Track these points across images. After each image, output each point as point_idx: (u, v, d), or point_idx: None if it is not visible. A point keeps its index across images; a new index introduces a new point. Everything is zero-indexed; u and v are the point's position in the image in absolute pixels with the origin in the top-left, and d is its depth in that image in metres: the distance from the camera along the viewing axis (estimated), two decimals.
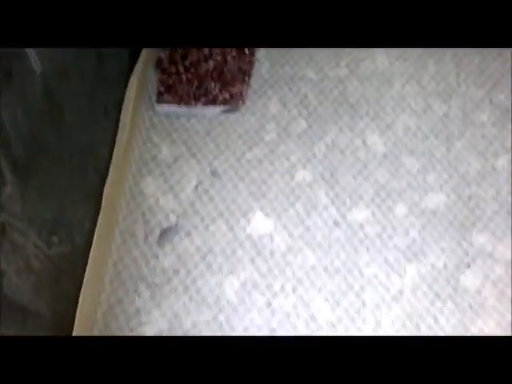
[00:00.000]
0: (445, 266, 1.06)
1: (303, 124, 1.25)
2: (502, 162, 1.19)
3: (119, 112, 1.19)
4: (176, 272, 1.06)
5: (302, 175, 1.18)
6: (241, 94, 1.27)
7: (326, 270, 1.06)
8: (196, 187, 1.16)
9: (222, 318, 1.01)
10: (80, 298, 0.96)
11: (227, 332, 0.99)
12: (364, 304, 1.02)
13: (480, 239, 1.09)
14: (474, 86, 1.31)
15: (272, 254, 1.08)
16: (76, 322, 0.94)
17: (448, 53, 1.34)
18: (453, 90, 1.30)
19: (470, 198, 1.14)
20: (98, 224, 1.05)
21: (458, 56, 1.34)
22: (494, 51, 1.33)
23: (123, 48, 1.23)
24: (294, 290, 1.04)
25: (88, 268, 1.00)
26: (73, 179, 0.97)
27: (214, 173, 1.18)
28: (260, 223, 1.11)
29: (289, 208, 1.13)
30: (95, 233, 1.04)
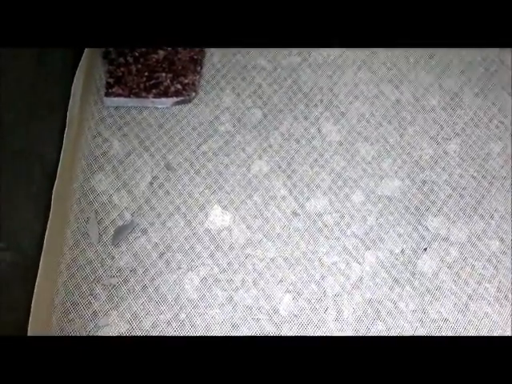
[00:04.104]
0: (402, 251, 1.07)
1: (258, 114, 1.23)
2: (453, 146, 1.21)
3: (66, 108, 1.13)
4: (133, 271, 1.03)
5: (259, 166, 1.16)
6: (193, 84, 1.23)
7: (286, 260, 1.05)
8: (150, 182, 1.13)
9: (183, 316, 0.98)
10: (32, 306, 0.92)
11: (188, 330, 0.97)
12: (325, 293, 1.02)
13: (435, 223, 1.11)
14: (423, 71, 1.32)
15: (231, 247, 1.06)
16: (29, 332, 0.90)
17: None
18: (403, 75, 1.31)
19: (423, 182, 1.16)
20: (48, 226, 1.00)
21: None
22: None
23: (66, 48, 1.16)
24: (255, 283, 1.03)
25: (39, 273, 0.95)
26: (17, 183, 0.91)
27: (168, 167, 1.15)
28: (218, 217, 1.09)
29: (246, 200, 1.12)
30: (45, 236, 0.99)
